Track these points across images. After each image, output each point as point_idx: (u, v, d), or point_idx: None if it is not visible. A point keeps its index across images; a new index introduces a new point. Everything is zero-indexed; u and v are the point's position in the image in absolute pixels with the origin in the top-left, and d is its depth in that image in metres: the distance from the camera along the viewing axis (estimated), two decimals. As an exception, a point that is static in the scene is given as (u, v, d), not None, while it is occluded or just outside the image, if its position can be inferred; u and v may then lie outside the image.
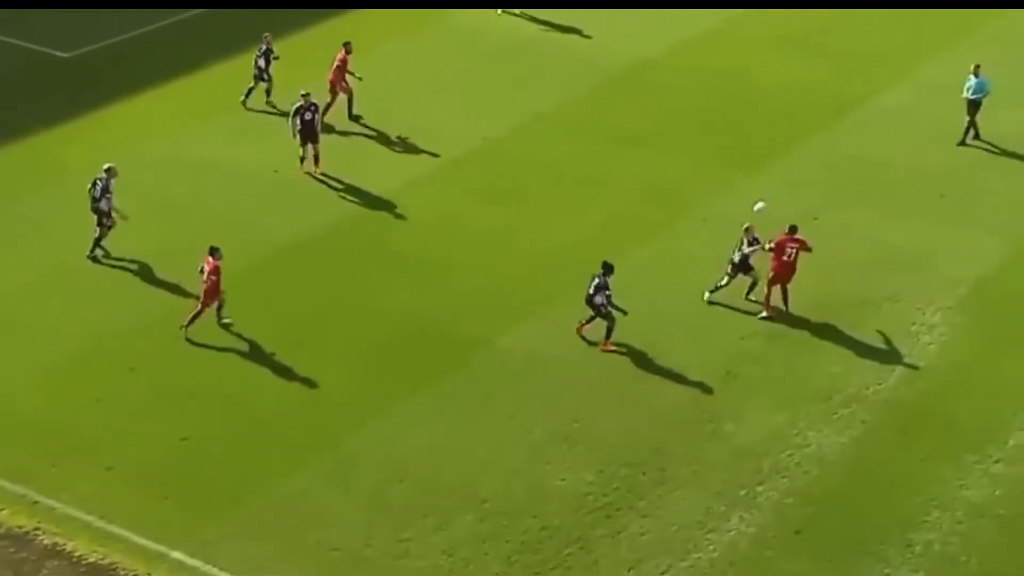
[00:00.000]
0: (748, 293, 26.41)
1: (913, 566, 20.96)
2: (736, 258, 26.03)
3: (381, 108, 33.11)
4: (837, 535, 21.47)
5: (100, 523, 21.32)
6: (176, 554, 20.90)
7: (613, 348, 25.15)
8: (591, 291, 24.90)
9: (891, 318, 26.18)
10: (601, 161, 31.49)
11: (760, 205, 26.32)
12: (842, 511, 21.89)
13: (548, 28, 37.69)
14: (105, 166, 27.52)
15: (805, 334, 25.81)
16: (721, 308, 26.38)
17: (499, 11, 38.31)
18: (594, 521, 21.59)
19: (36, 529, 21.32)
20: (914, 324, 26.08)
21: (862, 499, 22.10)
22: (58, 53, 36.00)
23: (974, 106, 31.72)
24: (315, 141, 30.57)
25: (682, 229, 29.01)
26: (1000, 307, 26.67)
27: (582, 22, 37.72)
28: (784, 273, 25.96)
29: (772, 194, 29.58)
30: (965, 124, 31.89)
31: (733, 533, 21.43)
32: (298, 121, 30.27)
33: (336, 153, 31.13)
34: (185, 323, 25.21)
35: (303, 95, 30.45)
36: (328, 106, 32.36)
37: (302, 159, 30.58)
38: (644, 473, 22.50)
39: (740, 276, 26.24)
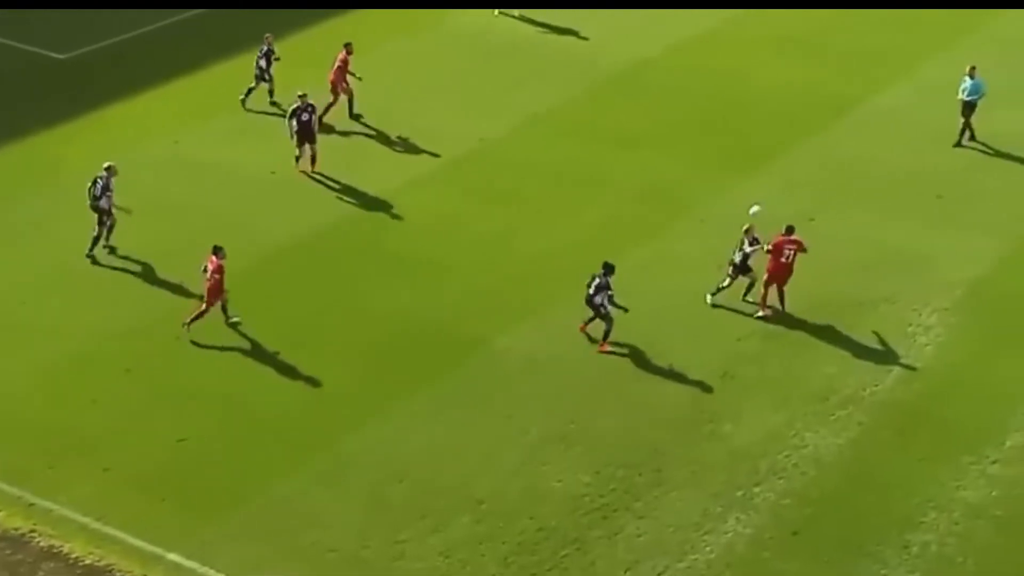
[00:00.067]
0: (745, 294, 26.42)
1: (910, 567, 20.97)
2: (737, 259, 26.03)
3: (379, 109, 33.13)
4: (834, 536, 21.48)
5: (97, 525, 21.33)
6: (173, 556, 20.91)
7: (610, 349, 25.16)
8: (591, 291, 24.91)
9: (888, 319, 26.19)
10: (599, 162, 31.50)
11: (755, 209, 26.33)
12: (839, 512, 21.89)
13: (546, 29, 37.71)
14: (105, 164, 27.56)
15: (802, 335, 25.82)
16: (718, 309, 26.39)
17: (496, 12, 38.32)
18: (591, 522, 21.60)
19: (32, 531, 21.33)
20: (911, 325, 26.09)
21: (859, 500, 22.11)
22: (55, 54, 36.02)
23: (969, 108, 31.73)
24: (312, 142, 30.60)
25: (680, 230, 29.02)
26: (997, 308, 26.67)
27: (580, 23, 37.73)
28: (781, 274, 25.96)
29: (769, 195, 29.65)
30: (960, 126, 31.90)
31: (730, 534, 21.43)
32: (295, 123, 30.31)
33: (335, 153, 31.14)
34: (187, 321, 25.23)
35: (300, 96, 30.47)
36: (329, 106, 32.41)
37: (297, 158, 30.62)
38: (641, 474, 22.51)
39: (740, 277, 26.23)
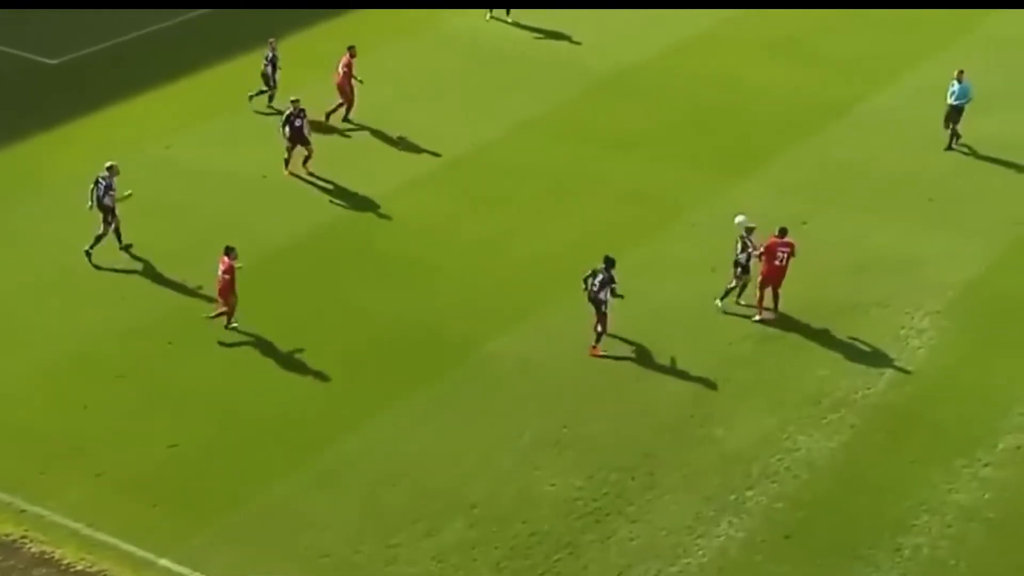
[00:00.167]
0: (738, 297, 26.43)
1: (902, 570, 20.97)
2: (743, 259, 25.96)
3: (373, 111, 33.14)
4: (826, 539, 21.47)
5: (88, 531, 21.27)
6: (164, 561, 20.86)
7: (601, 353, 25.15)
8: (596, 287, 24.85)
9: (880, 322, 26.21)
10: (592, 165, 31.51)
11: (740, 219, 26.36)
12: (831, 515, 21.89)
13: (539, 33, 37.72)
14: (107, 164, 27.60)
15: (795, 338, 25.83)
16: (711, 313, 26.39)
17: (488, 16, 38.33)
18: (584, 526, 21.58)
19: (23, 537, 21.26)
20: (903, 328, 26.12)
21: (851, 503, 22.11)
22: (47, 59, 35.98)
23: (956, 112, 31.79)
24: (305, 144, 30.61)
25: (673, 233, 29.03)
26: (988, 311, 26.71)
27: (573, 27, 37.75)
28: (774, 276, 25.98)
29: (762, 198, 29.72)
30: (948, 129, 31.94)
31: (723, 538, 21.43)
32: (287, 129, 30.34)
33: (327, 156, 31.12)
34: (211, 315, 25.32)
35: (292, 102, 30.51)
36: (338, 107, 32.55)
37: (287, 161, 30.62)
38: (634, 478, 22.50)
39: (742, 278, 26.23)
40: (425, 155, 31.81)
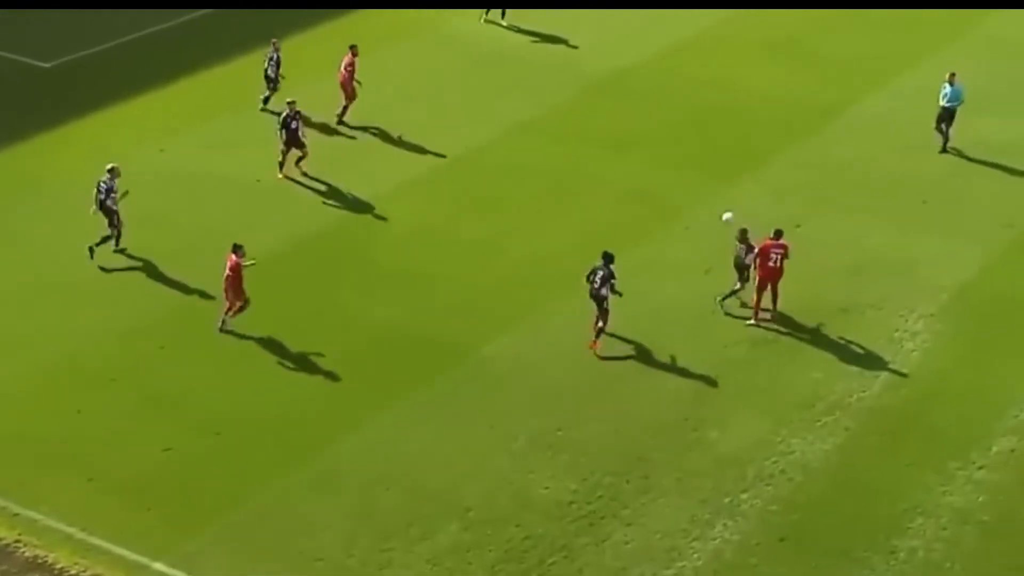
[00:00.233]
0: (724, 298, 26.37)
1: (897, 572, 20.97)
2: (748, 260, 25.96)
3: (369, 113, 33.13)
4: (821, 542, 21.47)
5: (82, 535, 21.22)
6: (158, 565, 20.81)
7: (600, 352, 25.07)
8: (597, 284, 24.91)
9: (874, 325, 26.22)
10: (586, 168, 31.51)
11: (728, 216, 26.38)
12: (826, 518, 21.89)
13: (534, 36, 37.72)
14: (108, 167, 27.59)
15: (789, 341, 25.83)
16: (707, 315, 26.38)
17: (481, 19, 38.33)
18: (578, 530, 21.55)
19: (17, 541, 21.21)
20: (897, 331, 26.12)
21: (846, 506, 22.11)
22: (40, 63, 35.94)
23: (949, 114, 31.82)
24: (299, 147, 30.59)
25: (667, 236, 29.03)
26: (983, 313, 26.72)
27: (568, 30, 37.75)
28: (769, 278, 25.96)
29: (757, 200, 29.73)
30: (941, 132, 31.98)
31: (717, 541, 21.41)
32: (284, 131, 30.33)
33: (324, 157, 31.09)
34: (229, 316, 25.37)
35: (289, 103, 30.58)
36: (345, 108, 32.61)
37: (281, 164, 30.60)
38: (628, 481, 22.48)
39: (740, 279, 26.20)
40: (422, 156, 31.82)
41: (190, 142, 32.20)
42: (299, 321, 26.09)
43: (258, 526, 21.52)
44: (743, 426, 23.63)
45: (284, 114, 30.44)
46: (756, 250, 25.80)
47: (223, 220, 29.04)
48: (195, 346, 25.37)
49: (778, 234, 25.96)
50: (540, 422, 23.69)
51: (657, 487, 22.36)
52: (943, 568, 21.05)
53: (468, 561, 20.98)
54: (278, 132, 30.47)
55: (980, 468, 22.85)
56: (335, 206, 30.05)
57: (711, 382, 24.70)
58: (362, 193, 30.30)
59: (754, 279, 26.03)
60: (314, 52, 35.06)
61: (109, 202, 27.29)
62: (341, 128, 32.79)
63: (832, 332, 26.00)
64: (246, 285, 25.44)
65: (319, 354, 25.22)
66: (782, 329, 26.06)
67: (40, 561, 20.82)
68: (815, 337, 25.88)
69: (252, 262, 25.53)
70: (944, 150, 32.16)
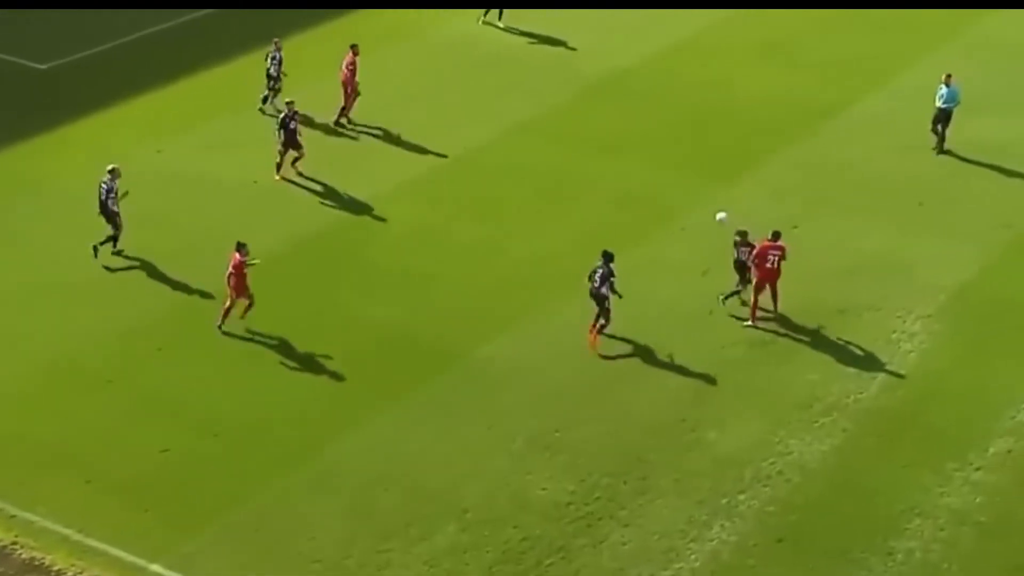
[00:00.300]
0: (726, 297, 26.41)
1: (895, 573, 20.97)
2: (749, 261, 25.98)
3: (365, 114, 33.16)
4: (819, 543, 21.47)
5: (79, 536, 21.19)
6: (155, 567, 20.79)
7: (599, 351, 25.04)
8: (597, 283, 24.98)
9: (871, 326, 26.23)
10: (583, 169, 31.51)
11: (721, 215, 26.41)
12: (824, 519, 21.89)
13: (531, 37, 37.74)
14: (108, 167, 27.60)
15: (786, 342, 25.84)
16: (704, 316, 26.38)
17: (480, 20, 38.31)
18: (576, 531, 21.55)
19: (14, 543, 21.18)
20: (894, 332, 26.13)
21: (844, 507, 22.11)
22: (35, 64, 35.90)
23: (945, 115, 31.84)
24: (296, 148, 30.59)
25: (664, 237, 29.03)
26: (979, 314, 26.73)
27: (564, 32, 37.75)
28: (767, 279, 25.97)
29: (753, 202, 29.73)
30: (937, 133, 32.01)
31: (715, 542, 21.41)
32: (283, 132, 30.32)
33: (320, 158, 31.09)
34: (243, 317, 25.37)
35: (288, 103, 30.64)
36: (352, 105, 32.69)
37: (278, 165, 30.58)
38: (626, 482, 22.48)
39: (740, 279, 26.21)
40: (421, 157, 31.83)
41: (187, 143, 32.17)
42: (297, 322, 26.07)
43: (256, 527, 21.51)
44: (741, 427, 23.63)
45: (283, 114, 30.46)
46: (754, 251, 25.80)
47: (222, 221, 29.03)
48: (193, 347, 25.35)
49: (776, 235, 25.97)
50: (538, 423, 23.69)
51: (655, 488, 22.35)
52: (940, 569, 21.06)
53: (466, 562, 20.97)
54: (276, 132, 30.47)
55: (977, 469, 22.86)
56: (333, 207, 30.04)
57: (709, 383, 24.70)
58: (361, 194, 30.29)
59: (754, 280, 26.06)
60: (314, 52, 35.09)
61: (109, 203, 27.30)
62: (339, 128, 32.79)
63: (829, 333, 26.00)
64: (249, 284, 25.40)
65: (317, 355, 25.21)
66: (779, 330, 26.07)
67: (37, 563, 20.79)
68: (813, 338, 25.89)
69: (256, 261, 25.55)
70: (941, 151, 32.17)
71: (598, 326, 25.21)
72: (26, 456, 22.81)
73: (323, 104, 32.72)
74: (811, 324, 26.21)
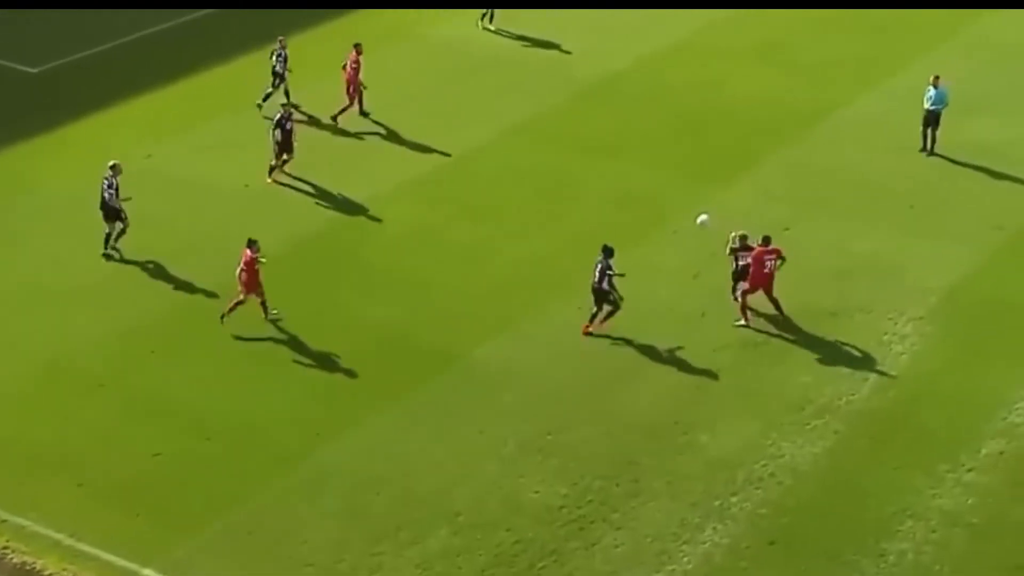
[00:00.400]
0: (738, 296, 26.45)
1: (887, 575, 20.98)
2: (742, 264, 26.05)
3: (358, 118, 33.17)
4: (811, 545, 21.48)
5: (70, 541, 21.15)
6: (148, 571, 20.76)
7: (596, 332, 25.24)
8: (595, 278, 25.12)
9: (863, 328, 26.26)
10: (577, 172, 31.53)
11: (703, 218, 26.45)
12: (816, 521, 21.91)
13: (524, 41, 37.74)
14: (110, 164, 27.71)
15: (778, 344, 25.86)
16: (695, 318, 26.40)
17: (478, 23, 38.26)
18: (568, 534, 21.55)
19: (5, 548, 21.13)
20: (886, 334, 26.16)
21: (836, 509, 22.13)
22: (27, 68, 35.86)
23: (934, 117, 31.89)
24: (289, 152, 30.56)
25: (656, 240, 29.04)
26: (970, 316, 26.78)
27: (558, 35, 37.77)
28: (762, 283, 26.00)
29: (744, 205, 29.77)
30: (930, 135, 32.06)
31: (707, 544, 21.42)
32: (279, 132, 30.31)
33: (315, 161, 31.08)
34: (225, 311, 25.49)
35: (283, 105, 30.75)
36: (359, 106, 32.84)
37: (272, 168, 30.57)
38: (618, 485, 22.48)
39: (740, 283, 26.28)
40: (417, 159, 31.85)
41: (177, 147, 32.13)
42: (292, 323, 26.05)
43: (249, 531, 21.48)
44: (733, 429, 23.64)
45: (279, 115, 30.46)
46: (749, 258, 25.83)
47: (219, 223, 29.04)
48: (185, 350, 25.32)
49: (766, 240, 26.02)
50: (530, 426, 23.68)
51: (647, 491, 22.36)
52: (932, 571, 21.08)
53: (458, 566, 20.96)
54: (271, 133, 30.44)
55: (969, 471, 22.88)
56: (324, 210, 30.02)
57: (701, 385, 24.71)
58: (358, 194, 30.30)
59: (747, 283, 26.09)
60: (314, 52, 35.11)
61: (110, 198, 27.37)
62: (336, 130, 32.81)
63: (822, 335, 26.03)
64: (261, 280, 25.54)
65: (312, 357, 25.20)
66: (772, 332, 26.09)
67: (28, 568, 20.75)
68: (804, 340, 25.91)
69: (264, 260, 25.55)
70: (931, 153, 32.22)
71: (604, 314, 25.40)
72: (18, 459, 22.77)
73: (323, 104, 32.82)
74: (803, 326, 26.23)
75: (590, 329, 25.61)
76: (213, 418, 23.73)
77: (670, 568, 21.01)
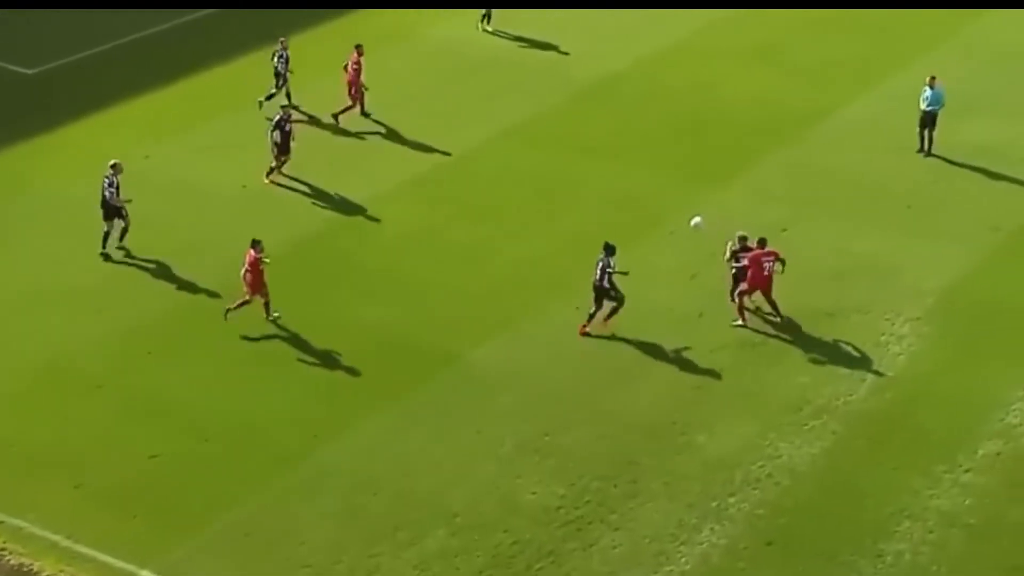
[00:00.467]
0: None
1: (884, 576, 21.04)
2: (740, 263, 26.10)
3: (355, 120, 33.16)
4: (809, 546, 21.49)
5: (68, 542, 21.13)
6: (145, 572, 20.74)
7: (610, 329, 25.40)
8: (597, 275, 25.27)
9: (860, 329, 26.27)
10: (573, 173, 31.54)
11: (696, 220, 26.48)
12: (813, 522, 21.91)
13: (521, 42, 37.75)
14: (110, 163, 27.78)
15: (776, 345, 25.86)
16: (693, 319, 26.40)
17: (479, 27, 38.23)
18: (565, 535, 21.54)
19: (2, 549, 21.12)
20: (883, 335, 26.18)
21: (833, 510, 22.14)
22: (23, 69, 35.84)
23: (931, 118, 31.91)
24: (287, 153, 30.57)
25: (653, 241, 29.04)
26: (967, 316, 26.79)
27: (555, 36, 37.79)
28: (760, 285, 26.00)
29: (741, 206, 29.79)
30: (927, 136, 32.07)
31: (705, 545, 21.42)
32: (278, 133, 30.31)
33: (313, 162, 31.07)
34: (231, 307, 25.54)
35: (282, 107, 30.81)
36: (360, 106, 32.90)
37: (270, 170, 30.56)
38: (615, 486, 22.48)
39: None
40: (415, 160, 31.87)
41: (175, 148, 32.13)
42: (288, 325, 26.04)
43: (246, 532, 21.47)
44: (730, 430, 23.65)
45: (278, 117, 30.48)
46: (745, 261, 25.84)
47: (217, 224, 29.05)
48: (183, 351, 25.31)
49: (762, 242, 26.03)
50: (528, 427, 23.69)
51: (645, 491, 22.36)
52: (929, 571, 21.09)
53: (456, 567, 20.96)
54: (269, 134, 30.43)
55: (966, 471, 22.89)
56: (321, 212, 30.02)
57: (698, 386, 24.72)
58: (354, 196, 30.31)
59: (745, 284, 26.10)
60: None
61: (111, 197, 27.39)
62: (335, 130, 32.83)
63: (819, 336, 26.04)
64: (266, 280, 25.56)
65: (308, 358, 25.20)
66: (769, 333, 26.10)
67: (26, 569, 20.73)
68: (802, 341, 25.92)
69: (267, 260, 25.55)
70: (928, 153, 32.23)
71: (608, 311, 25.50)
72: (15, 460, 22.76)
73: (323, 104, 32.87)
74: (801, 327, 26.24)
75: (587, 329, 25.65)
76: (211, 419, 23.72)
77: (668, 569, 21.02)
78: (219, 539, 21.33)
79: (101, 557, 20.90)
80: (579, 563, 21.05)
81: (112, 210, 27.61)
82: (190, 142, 32.35)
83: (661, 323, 26.28)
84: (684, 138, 33.15)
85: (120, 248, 27.80)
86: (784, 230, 28.79)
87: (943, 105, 31.87)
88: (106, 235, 27.83)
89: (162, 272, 27.46)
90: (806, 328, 26.21)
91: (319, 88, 33.33)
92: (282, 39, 33.19)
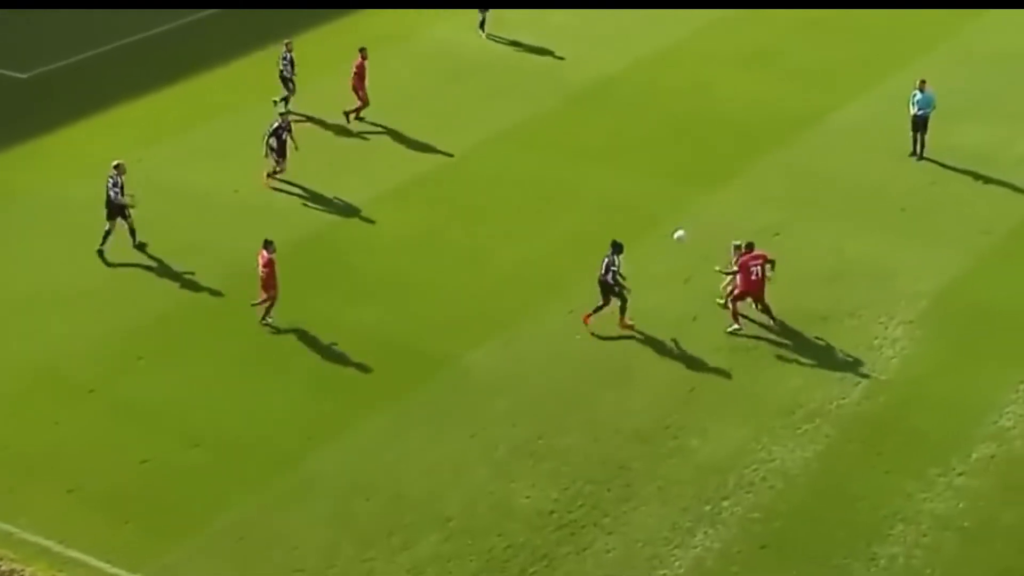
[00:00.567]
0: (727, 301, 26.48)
1: (878, 579, 21.02)
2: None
3: (355, 120, 33.13)
4: (802, 550, 21.48)
5: (59, 548, 21.08)
6: (137, 577, 20.73)
7: (630, 324, 25.58)
8: (601, 271, 25.47)
9: (854, 332, 26.27)
10: (567, 177, 31.53)
11: (679, 233, 26.52)
12: (807, 525, 21.90)
13: (516, 46, 37.77)
14: (114, 163, 27.83)
15: (769, 349, 25.86)
16: (686, 323, 26.39)
17: (479, 31, 38.22)
18: (559, 538, 21.52)
19: (-6, 554, 21.10)
20: (876, 338, 26.17)
21: (827, 513, 22.13)
22: (16, 74, 35.79)
23: (922, 121, 31.92)
24: (283, 157, 30.55)
25: (647, 244, 28.96)
26: (961, 320, 26.80)
27: (550, 40, 37.81)
28: (752, 290, 25.99)
29: (736, 209, 29.80)
30: (919, 139, 32.09)
31: (699, 549, 21.40)
32: (274, 140, 30.30)
33: (310, 164, 31.04)
34: (259, 315, 25.72)
35: (281, 114, 30.77)
36: (358, 109, 32.94)
37: (271, 172, 30.54)
38: (609, 490, 22.45)
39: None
40: (407, 163, 31.86)
41: (168, 152, 32.11)
42: (282, 327, 26.00)
43: (239, 537, 21.42)
44: (724, 434, 23.63)
45: (276, 123, 30.45)
46: (736, 267, 25.85)
47: (214, 227, 29.05)
48: (174, 356, 25.26)
49: (750, 247, 26.02)
50: (521, 431, 23.66)
51: (638, 495, 22.34)
52: (923, 575, 21.07)
53: (449, 571, 20.92)
54: (265, 139, 30.39)
55: (960, 474, 22.89)
56: (315, 215, 30.00)
57: (692, 390, 24.70)
58: (349, 198, 30.31)
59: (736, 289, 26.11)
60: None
61: (115, 197, 27.44)
62: (333, 131, 32.83)
63: (812, 339, 26.04)
64: (278, 281, 25.66)
65: (298, 364, 25.16)
66: (762, 336, 26.09)
67: (17, 574, 20.67)
68: (795, 344, 25.92)
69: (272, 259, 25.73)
70: (921, 157, 32.25)
71: (619, 310, 25.59)
72: (6, 467, 22.69)
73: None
74: (794, 330, 26.24)
75: (590, 319, 25.68)
76: (203, 423, 23.68)
77: (661, 573, 20.99)
78: (212, 543, 21.29)
79: (93, 562, 20.85)
80: (573, 567, 21.02)
81: (115, 209, 27.62)
82: (187, 144, 32.33)
83: (655, 326, 26.26)
84: (679, 141, 33.16)
85: (136, 248, 27.81)
86: (776, 234, 28.80)
87: (934, 108, 31.89)
88: (107, 234, 27.79)
89: (159, 274, 27.43)
90: (799, 331, 26.21)
91: (319, 88, 33.33)
92: (287, 41, 33.21)
